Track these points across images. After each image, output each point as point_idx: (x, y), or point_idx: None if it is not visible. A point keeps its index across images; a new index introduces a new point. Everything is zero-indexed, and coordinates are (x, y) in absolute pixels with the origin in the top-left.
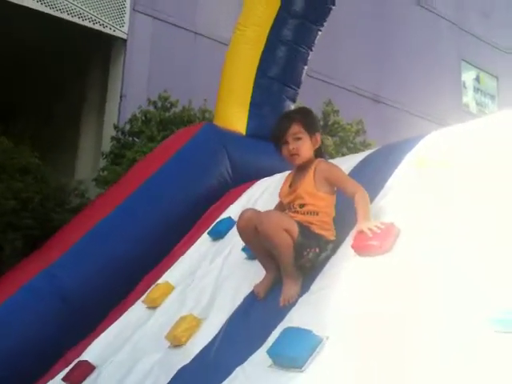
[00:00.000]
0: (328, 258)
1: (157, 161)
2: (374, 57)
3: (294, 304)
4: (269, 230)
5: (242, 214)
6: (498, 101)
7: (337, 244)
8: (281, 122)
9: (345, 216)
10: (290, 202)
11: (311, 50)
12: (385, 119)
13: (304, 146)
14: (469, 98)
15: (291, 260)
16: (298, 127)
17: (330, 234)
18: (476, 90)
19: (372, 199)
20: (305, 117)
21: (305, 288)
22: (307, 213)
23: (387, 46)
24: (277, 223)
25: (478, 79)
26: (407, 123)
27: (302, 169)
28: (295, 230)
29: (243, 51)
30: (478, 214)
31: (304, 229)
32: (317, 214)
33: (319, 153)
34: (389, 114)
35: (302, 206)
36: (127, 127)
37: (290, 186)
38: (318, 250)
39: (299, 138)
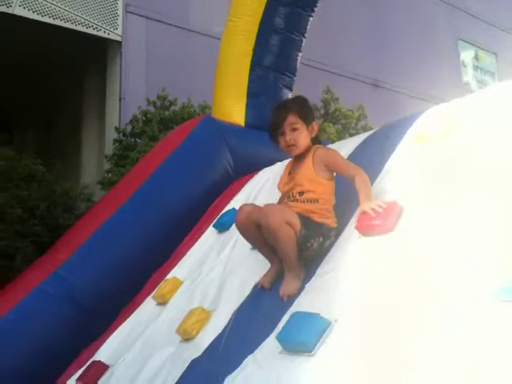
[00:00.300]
0: (332, 244)
1: (157, 158)
2: (371, 42)
3: (301, 289)
4: (273, 224)
5: (240, 208)
6: (498, 77)
7: (339, 230)
8: (277, 112)
9: (348, 199)
10: (289, 191)
11: (304, 37)
12: (386, 103)
13: (301, 137)
14: (469, 76)
15: (294, 254)
16: (295, 117)
17: (331, 222)
18: (475, 68)
19: (374, 179)
20: (301, 106)
21: (311, 272)
22: (307, 200)
23: (383, 30)
24: (280, 217)
25: (476, 57)
26: (408, 106)
27: (300, 157)
28: (297, 222)
29: (236, 42)
30: (480, 186)
31: (305, 220)
32: (316, 201)
33: (317, 141)
34: (389, 98)
35: (301, 193)
36: (128, 128)
37: (289, 174)
38: (321, 239)
39: (296, 129)
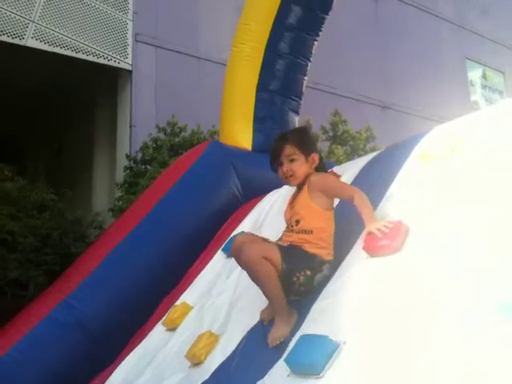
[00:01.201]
0: (327, 278)
1: (166, 184)
2: (379, 64)
3: (308, 310)
4: (249, 260)
5: (234, 238)
6: (507, 95)
7: (336, 264)
8: (275, 143)
9: (353, 221)
10: (289, 220)
11: (309, 61)
12: (394, 125)
13: (298, 167)
14: (477, 95)
15: (278, 293)
16: (292, 148)
17: (325, 254)
18: (483, 86)
19: (380, 198)
20: (299, 137)
21: (316, 293)
22: (301, 231)
23: (390, 52)
24: (256, 253)
25: (484, 76)
26: (417, 126)
27: (300, 187)
28: (277, 257)
29: (242, 67)
30: (485, 204)
31: (291, 251)
32: (311, 232)
33: (322, 171)
34: (398, 119)
35: (297, 222)
36: (139, 156)
37: (291, 203)
38: (308, 273)
39: (293, 160)
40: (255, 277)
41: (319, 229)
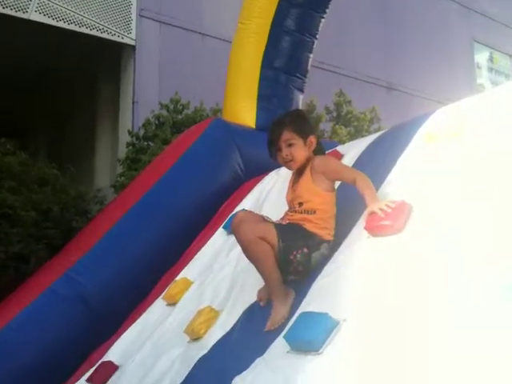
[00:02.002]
0: (326, 258)
1: (168, 160)
2: (385, 44)
3: (308, 288)
4: (244, 241)
5: (235, 215)
6: None
7: (335, 245)
8: (272, 129)
9: (355, 203)
10: (291, 202)
11: (316, 39)
12: (399, 106)
13: (297, 151)
14: (483, 78)
15: (274, 274)
16: (290, 133)
17: (326, 234)
18: (490, 69)
19: (383, 178)
20: (296, 121)
21: (317, 271)
22: (304, 211)
23: (397, 32)
24: (251, 232)
25: (491, 59)
26: (422, 108)
27: (300, 170)
28: (273, 236)
29: (247, 45)
30: (490, 185)
31: (289, 229)
32: (314, 212)
33: (320, 153)
34: (403, 100)
35: (300, 204)
36: (141, 132)
37: (292, 186)
38: (306, 250)
39: (292, 144)
40: (251, 256)
41: (322, 210)
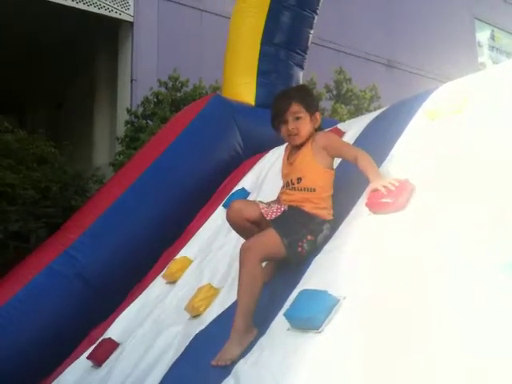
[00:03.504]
0: (327, 237)
1: (167, 137)
2: (385, 22)
3: (308, 265)
4: (245, 263)
5: (230, 206)
6: None
7: (336, 222)
8: (280, 100)
9: (357, 180)
10: (287, 176)
11: (316, 14)
12: (400, 84)
13: (303, 126)
14: (484, 57)
15: (252, 305)
16: (298, 106)
17: (325, 214)
18: (491, 48)
19: (385, 156)
20: (304, 95)
21: (318, 248)
22: (304, 189)
23: (398, 8)
24: (256, 263)
25: (492, 37)
26: (422, 86)
27: (299, 146)
28: (275, 240)
29: (246, 20)
30: (492, 163)
31: (289, 218)
32: (314, 190)
33: (319, 130)
34: (403, 78)
35: (299, 180)
36: (140, 110)
37: (288, 160)
38: (310, 238)
39: (299, 118)
40: (243, 274)
41: (321, 188)
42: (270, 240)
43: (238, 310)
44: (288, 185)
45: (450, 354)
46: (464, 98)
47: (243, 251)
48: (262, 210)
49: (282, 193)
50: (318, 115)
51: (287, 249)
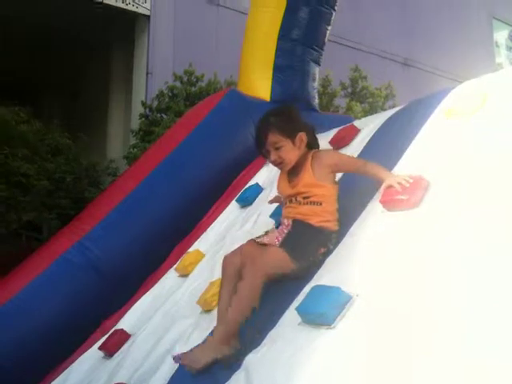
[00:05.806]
0: (336, 243)
1: (182, 131)
2: (403, 20)
3: (322, 262)
4: (249, 274)
5: (227, 258)
6: None
7: (341, 233)
8: (259, 130)
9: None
10: (292, 196)
11: (334, 10)
12: (416, 83)
13: (286, 154)
14: (502, 57)
15: (241, 317)
16: (275, 136)
17: (332, 225)
18: (509, 48)
19: (401, 154)
20: (280, 121)
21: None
22: (311, 203)
23: (415, 7)
24: (262, 272)
25: (510, 37)
26: (439, 86)
27: (297, 165)
28: (289, 263)
29: (264, 15)
30: (508, 163)
31: (295, 236)
32: (320, 203)
33: (315, 146)
34: (420, 77)
35: (306, 198)
36: (155, 104)
37: (289, 181)
38: (323, 250)
39: (279, 147)
40: (247, 291)
41: (327, 203)
42: (284, 264)
43: (225, 319)
44: (291, 201)
45: (468, 354)
46: (483, 98)
47: (250, 265)
48: (265, 241)
49: (285, 207)
50: (301, 136)
51: (305, 270)
